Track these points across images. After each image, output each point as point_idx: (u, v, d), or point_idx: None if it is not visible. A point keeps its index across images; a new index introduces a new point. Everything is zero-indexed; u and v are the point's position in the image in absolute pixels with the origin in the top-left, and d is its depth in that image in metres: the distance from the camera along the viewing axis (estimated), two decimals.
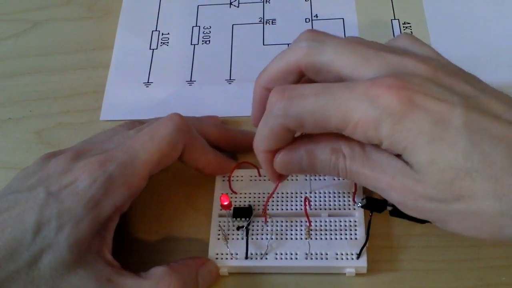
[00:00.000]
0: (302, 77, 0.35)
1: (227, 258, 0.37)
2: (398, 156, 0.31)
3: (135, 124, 0.40)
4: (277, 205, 0.39)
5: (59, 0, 0.54)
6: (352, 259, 0.36)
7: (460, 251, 0.38)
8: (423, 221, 0.35)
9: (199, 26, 0.51)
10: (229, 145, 0.42)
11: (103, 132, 0.40)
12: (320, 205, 0.39)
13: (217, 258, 0.37)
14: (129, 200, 0.36)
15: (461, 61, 0.45)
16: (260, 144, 0.35)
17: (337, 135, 0.33)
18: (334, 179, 0.40)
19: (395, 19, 0.49)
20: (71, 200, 0.34)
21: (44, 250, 0.32)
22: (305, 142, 0.34)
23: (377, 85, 0.30)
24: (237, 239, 0.38)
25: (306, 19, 0.50)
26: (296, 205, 0.39)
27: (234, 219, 0.38)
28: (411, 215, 0.32)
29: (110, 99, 0.47)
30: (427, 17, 0.49)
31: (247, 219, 0.38)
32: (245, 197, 0.40)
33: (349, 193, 0.39)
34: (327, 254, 0.37)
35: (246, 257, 0.37)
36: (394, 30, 0.48)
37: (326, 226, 0.38)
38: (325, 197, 0.39)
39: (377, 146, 0.32)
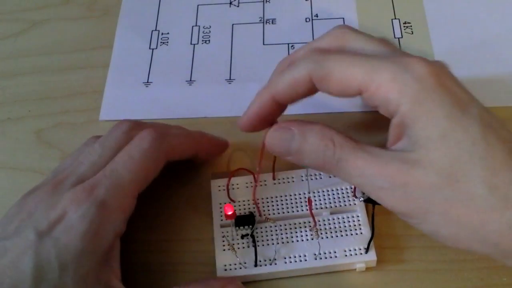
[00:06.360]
0: (313, 90, 0.34)
1: (235, 268, 0.36)
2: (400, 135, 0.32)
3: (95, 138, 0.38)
4: (278, 209, 0.38)
5: None
6: (361, 253, 0.36)
7: (461, 251, 0.37)
8: None
9: (199, 26, 0.51)
10: (201, 153, 0.41)
11: (69, 157, 0.38)
12: (321, 204, 0.38)
13: (225, 270, 0.36)
14: (125, 222, 0.35)
15: (461, 60, 0.46)
16: (273, 86, 0.34)
17: (330, 128, 0.33)
18: (330, 177, 0.39)
19: (395, 18, 0.49)
20: (67, 235, 0.31)
21: None
22: (299, 124, 0.34)
23: (411, 58, 0.32)
24: (243, 247, 0.37)
25: (306, 18, 0.50)
26: (297, 207, 0.38)
27: (237, 227, 0.37)
28: (392, 206, 0.31)
29: (110, 99, 0.47)
30: (427, 17, 0.49)
31: (250, 226, 0.37)
32: (244, 205, 0.39)
33: (347, 188, 0.39)
34: (335, 252, 0.36)
35: (256, 265, 0.36)
36: (394, 30, 0.48)
37: (330, 224, 0.38)
38: (324, 195, 0.39)
39: (369, 144, 0.32)
